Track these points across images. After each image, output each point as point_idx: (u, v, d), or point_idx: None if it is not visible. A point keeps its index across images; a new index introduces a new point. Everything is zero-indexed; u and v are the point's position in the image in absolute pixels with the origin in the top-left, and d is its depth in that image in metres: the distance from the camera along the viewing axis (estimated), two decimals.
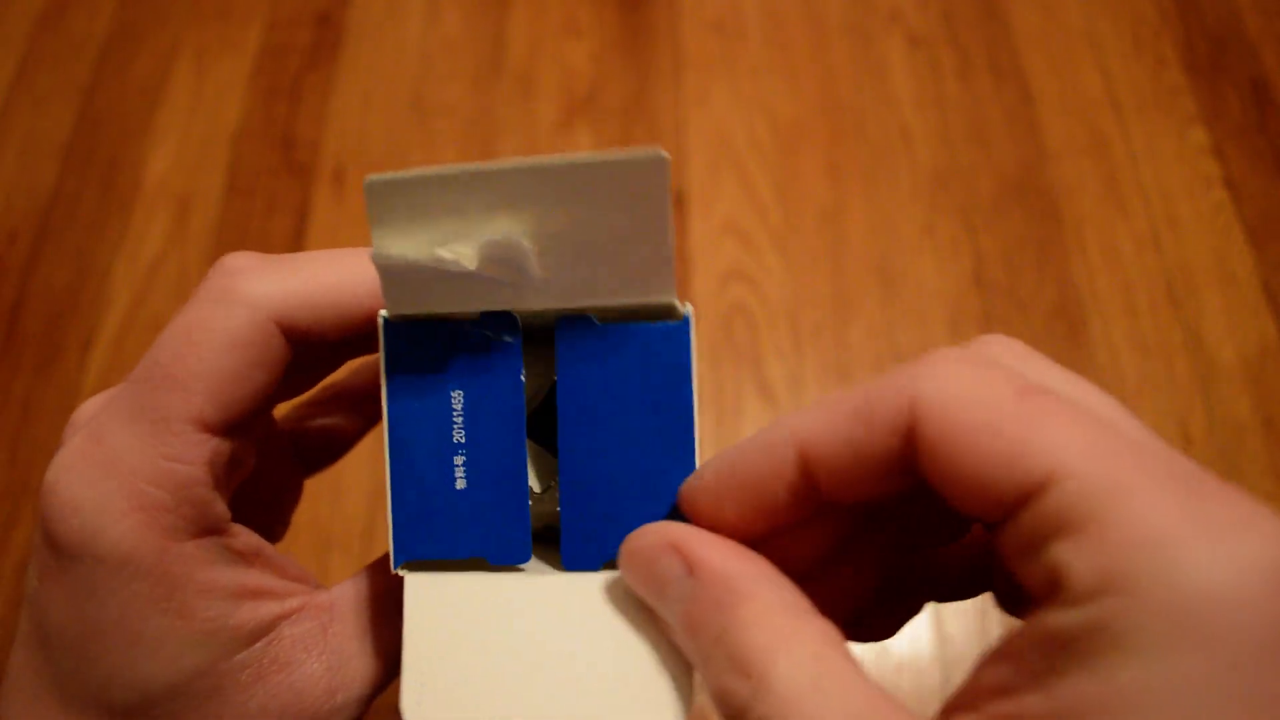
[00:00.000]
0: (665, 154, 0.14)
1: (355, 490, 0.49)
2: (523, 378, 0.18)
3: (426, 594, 0.17)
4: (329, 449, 0.27)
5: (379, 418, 0.26)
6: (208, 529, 0.18)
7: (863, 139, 0.59)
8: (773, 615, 0.14)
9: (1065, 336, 0.52)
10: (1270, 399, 0.50)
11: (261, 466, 0.21)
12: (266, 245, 0.56)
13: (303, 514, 0.49)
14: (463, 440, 0.17)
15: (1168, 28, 0.62)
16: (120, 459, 0.17)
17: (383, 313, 0.17)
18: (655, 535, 0.16)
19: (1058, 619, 0.12)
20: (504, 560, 0.18)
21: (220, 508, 0.18)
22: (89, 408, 0.19)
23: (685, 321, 0.17)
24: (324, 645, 0.19)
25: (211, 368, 0.17)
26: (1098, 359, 0.51)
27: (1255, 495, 0.12)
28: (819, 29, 0.63)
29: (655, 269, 0.16)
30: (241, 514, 0.20)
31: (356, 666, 0.19)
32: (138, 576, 0.17)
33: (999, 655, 0.13)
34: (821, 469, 0.15)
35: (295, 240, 0.56)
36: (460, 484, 0.17)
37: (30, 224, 0.57)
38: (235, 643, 0.18)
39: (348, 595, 0.20)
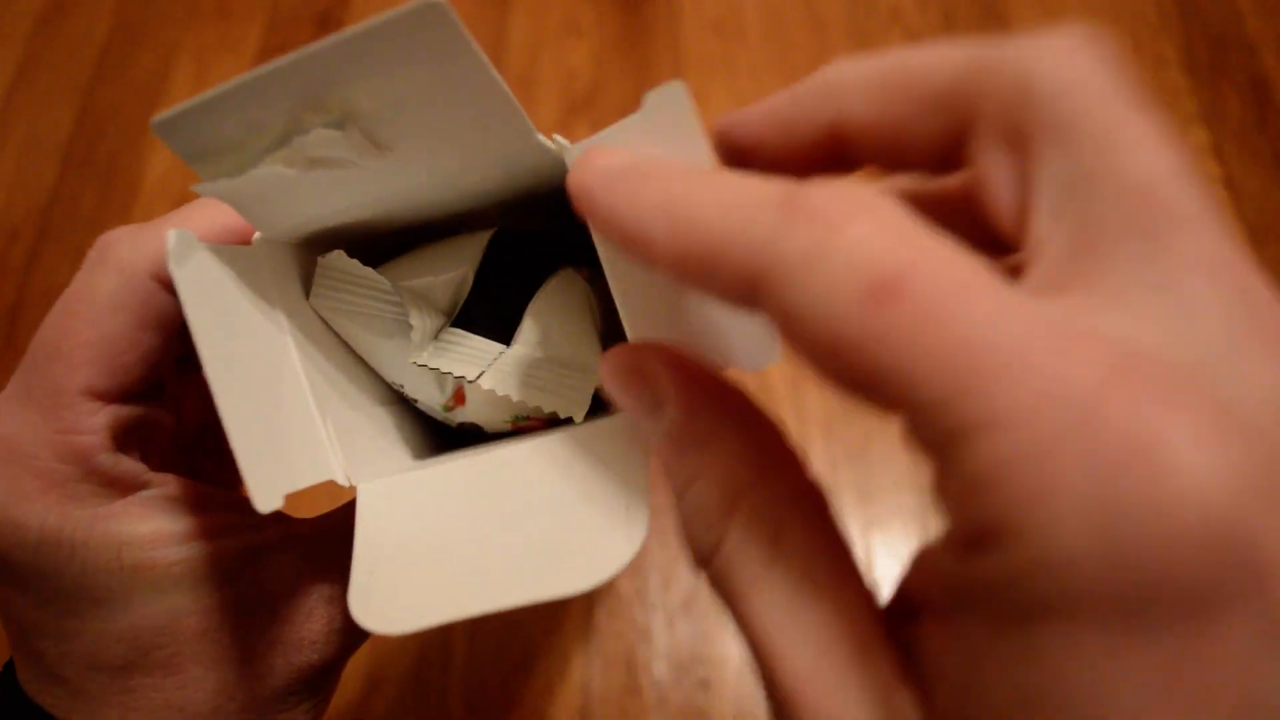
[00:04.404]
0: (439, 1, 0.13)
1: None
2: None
3: (375, 499, 0.17)
4: None
5: None
6: (130, 487, 0.17)
7: None
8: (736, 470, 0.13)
9: None
10: None
11: (209, 420, 0.20)
12: None
13: (301, 514, 0.49)
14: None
15: (1168, 28, 0.61)
16: (18, 445, 0.17)
17: (256, 236, 0.17)
18: (628, 357, 0.14)
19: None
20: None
21: (131, 466, 0.18)
22: None
23: None
24: (313, 575, 0.18)
25: (95, 336, 0.17)
26: None
27: None
28: (819, 29, 0.63)
29: (500, 115, 0.15)
30: (195, 468, 0.19)
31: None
32: (76, 550, 0.17)
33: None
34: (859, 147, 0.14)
35: None
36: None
37: (30, 224, 0.57)
38: (214, 577, 0.17)
39: (327, 526, 0.19)
